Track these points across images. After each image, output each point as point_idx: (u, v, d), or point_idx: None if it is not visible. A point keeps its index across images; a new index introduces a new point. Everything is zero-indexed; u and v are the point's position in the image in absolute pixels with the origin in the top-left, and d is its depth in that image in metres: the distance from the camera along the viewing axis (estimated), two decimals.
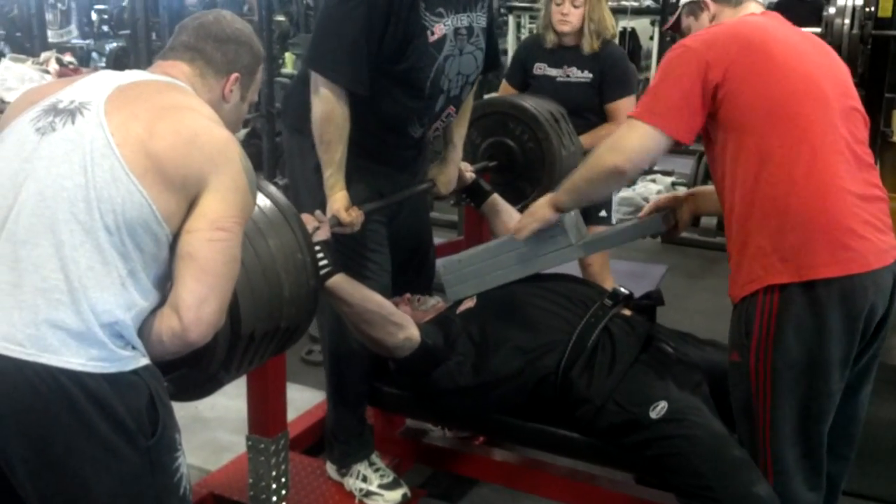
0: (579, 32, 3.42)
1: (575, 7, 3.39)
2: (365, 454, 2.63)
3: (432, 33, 2.31)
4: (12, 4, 8.33)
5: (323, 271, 2.12)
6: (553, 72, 3.48)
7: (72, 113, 1.52)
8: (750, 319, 1.99)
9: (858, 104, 2.09)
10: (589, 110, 3.40)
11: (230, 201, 1.53)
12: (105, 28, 10.09)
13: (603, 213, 3.57)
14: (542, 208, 2.36)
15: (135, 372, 1.48)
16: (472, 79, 2.52)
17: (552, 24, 3.45)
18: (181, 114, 1.55)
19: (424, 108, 2.43)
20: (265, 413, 2.37)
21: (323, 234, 2.22)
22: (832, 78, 2.06)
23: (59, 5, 9.69)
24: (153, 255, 1.50)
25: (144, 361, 1.51)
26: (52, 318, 1.42)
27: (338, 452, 2.66)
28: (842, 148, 1.97)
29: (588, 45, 3.42)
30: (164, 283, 1.54)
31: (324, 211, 2.32)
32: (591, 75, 3.43)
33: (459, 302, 2.57)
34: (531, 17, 8.97)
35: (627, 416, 2.16)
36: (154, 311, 1.53)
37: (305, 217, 2.11)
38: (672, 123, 2.03)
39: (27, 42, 7.54)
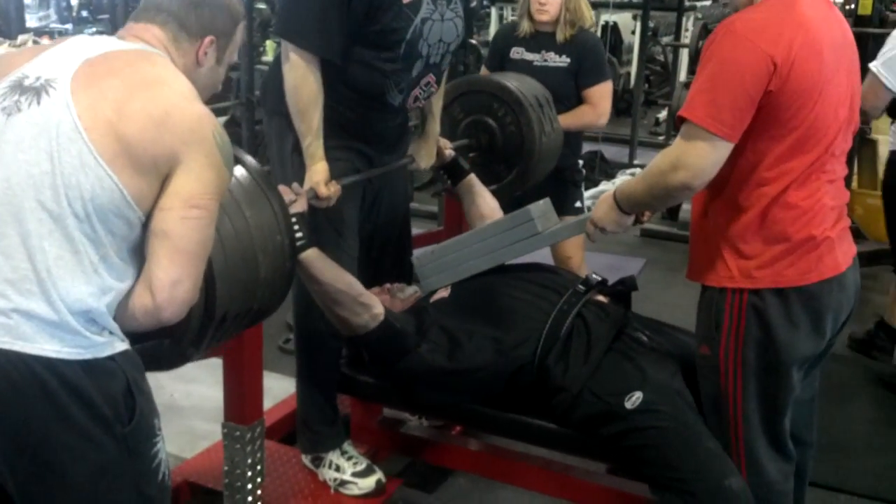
0: (555, 21, 3.43)
1: None
2: (336, 443, 2.62)
3: None
4: None
5: (297, 244, 2.10)
6: (530, 56, 3.48)
7: (37, 92, 1.46)
8: (719, 313, 2.00)
9: (858, 112, 2.07)
10: (565, 96, 3.40)
11: (204, 179, 1.50)
12: (84, 13, 10.02)
13: (578, 205, 3.59)
14: (611, 212, 2.17)
15: (111, 358, 1.47)
16: (452, 47, 2.50)
17: (530, 13, 3.47)
18: (152, 91, 1.49)
19: (401, 72, 2.39)
20: (241, 401, 2.36)
21: (299, 207, 2.19)
22: (852, 92, 2.01)
23: None
24: (125, 236, 1.48)
25: (121, 347, 1.49)
26: (24, 308, 1.40)
27: (309, 441, 2.65)
28: (831, 165, 1.97)
29: (561, 33, 3.43)
30: (141, 257, 1.52)
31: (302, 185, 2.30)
32: (568, 59, 3.44)
33: (434, 293, 2.57)
34: (513, 10, 8.98)
35: (603, 407, 2.17)
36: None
37: (282, 189, 2.08)
38: (737, 131, 1.86)
39: (5, 26, 7.47)
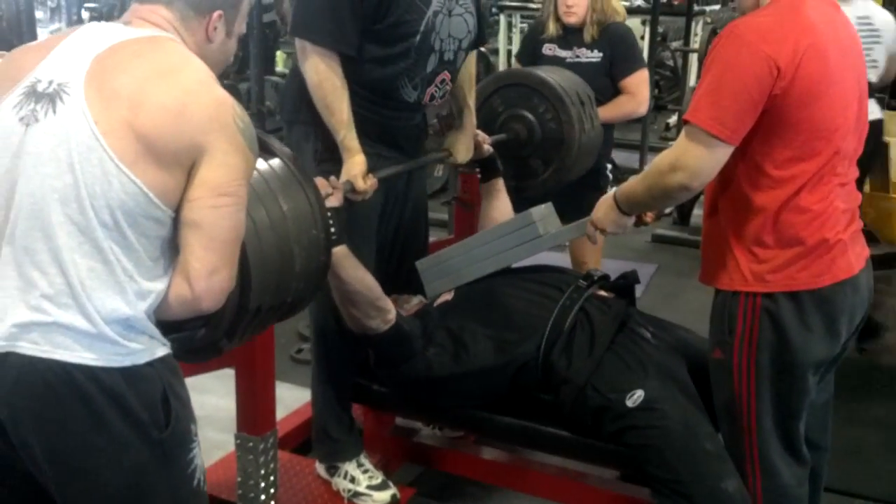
0: (583, 21, 3.44)
1: None
2: (353, 454, 2.62)
3: None
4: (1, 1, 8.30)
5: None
6: (563, 53, 3.49)
7: (52, 99, 1.44)
8: (733, 317, 2.00)
9: (867, 114, 2.07)
10: (599, 90, 3.36)
11: (229, 165, 1.47)
12: None
13: None
14: (611, 213, 2.18)
15: (149, 364, 1.47)
16: (464, 44, 2.51)
17: (558, 15, 3.47)
18: (166, 82, 1.46)
19: (414, 67, 2.40)
20: (254, 411, 2.37)
21: (335, 201, 2.17)
22: (860, 94, 2.01)
23: (49, 2, 9.66)
24: (157, 235, 1.47)
25: (161, 352, 1.50)
26: (62, 322, 1.41)
27: (328, 449, 2.65)
28: (842, 167, 1.97)
29: (588, 33, 3.43)
30: (173, 251, 1.51)
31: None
32: (600, 54, 3.44)
33: (438, 296, 2.59)
34: (523, 17, 8.98)
35: (604, 403, 2.19)
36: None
37: (319, 182, 2.05)
38: (739, 134, 1.86)
39: (17, 39, 7.51)
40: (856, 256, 2.01)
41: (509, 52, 8.23)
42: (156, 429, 1.47)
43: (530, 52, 3.61)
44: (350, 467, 2.60)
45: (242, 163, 1.50)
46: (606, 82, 3.45)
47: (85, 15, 10.28)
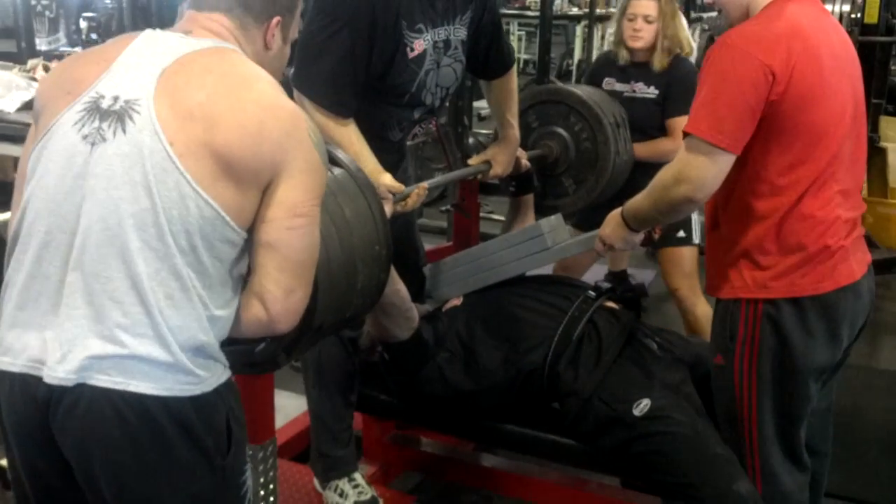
0: (651, 48, 3.32)
1: (648, 23, 3.29)
2: (347, 470, 2.61)
3: (412, 49, 2.32)
4: None
5: None
6: (620, 87, 3.38)
7: (120, 117, 1.37)
8: (734, 323, 2.00)
9: (864, 120, 2.07)
10: (652, 127, 3.30)
11: (305, 185, 1.43)
12: (94, 36, 10.05)
13: (682, 234, 3.38)
14: (619, 230, 2.18)
15: (216, 390, 1.43)
16: (451, 90, 2.55)
17: (623, 40, 3.37)
18: (240, 99, 1.40)
19: (403, 116, 2.47)
20: (253, 419, 2.34)
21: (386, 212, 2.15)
22: (855, 98, 2.01)
23: (48, 13, 9.67)
24: (229, 258, 1.43)
25: (225, 376, 1.46)
26: (139, 353, 1.36)
27: (321, 465, 2.64)
28: (842, 174, 1.97)
29: (658, 62, 3.31)
30: (239, 275, 1.47)
31: None
32: (657, 91, 3.32)
33: (446, 302, 2.59)
34: (520, 25, 9.02)
35: (611, 413, 2.18)
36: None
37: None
38: (740, 142, 1.86)
39: (15, 49, 7.51)
40: (857, 262, 2.02)
41: None
42: (219, 455, 1.44)
43: (593, 84, 3.44)
44: (342, 482, 2.59)
45: (318, 180, 1.47)
46: (660, 119, 3.32)
47: (83, 25, 10.29)
